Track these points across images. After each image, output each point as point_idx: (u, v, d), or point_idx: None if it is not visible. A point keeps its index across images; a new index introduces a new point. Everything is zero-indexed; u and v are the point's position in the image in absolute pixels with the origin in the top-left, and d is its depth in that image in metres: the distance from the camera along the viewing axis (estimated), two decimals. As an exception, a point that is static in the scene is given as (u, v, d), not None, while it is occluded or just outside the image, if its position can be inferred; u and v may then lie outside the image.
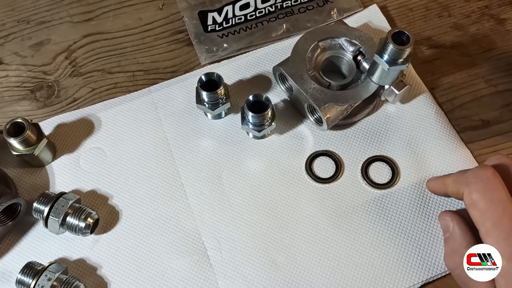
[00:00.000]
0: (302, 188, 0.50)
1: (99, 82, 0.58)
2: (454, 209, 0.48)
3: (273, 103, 0.51)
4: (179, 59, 0.59)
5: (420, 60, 0.58)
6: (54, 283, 0.43)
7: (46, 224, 0.46)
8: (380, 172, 0.51)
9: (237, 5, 0.62)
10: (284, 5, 0.62)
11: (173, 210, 0.50)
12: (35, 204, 0.47)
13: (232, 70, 0.57)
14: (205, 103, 0.52)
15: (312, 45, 0.52)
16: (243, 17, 0.61)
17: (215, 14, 0.61)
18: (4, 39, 0.62)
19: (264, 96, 0.50)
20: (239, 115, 0.53)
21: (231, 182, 0.51)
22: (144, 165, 0.52)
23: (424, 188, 0.49)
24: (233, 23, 0.61)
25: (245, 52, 0.59)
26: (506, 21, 0.60)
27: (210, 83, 0.51)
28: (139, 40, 0.61)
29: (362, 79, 0.52)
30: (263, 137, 0.53)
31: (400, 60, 0.46)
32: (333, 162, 0.51)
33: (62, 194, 0.48)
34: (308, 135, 0.53)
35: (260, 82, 0.57)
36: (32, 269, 0.44)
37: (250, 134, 0.53)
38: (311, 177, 0.50)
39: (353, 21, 0.60)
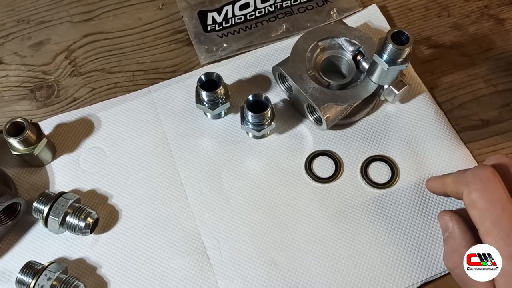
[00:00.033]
0: (302, 187, 0.50)
1: (99, 82, 0.58)
2: (454, 209, 0.48)
3: (272, 103, 0.51)
4: (178, 59, 0.60)
5: (420, 60, 0.58)
6: (54, 282, 0.43)
7: (46, 224, 0.46)
8: (379, 172, 0.51)
9: (237, 5, 0.62)
10: (284, 5, 0.62)
11: (173, 210, 0.50)
12: (35, 204, 0.47)
13: (231, 70, 0.57)
14: (204, 103, 0.52)
15: (312, 45, 0.53)
16: (242, 17, 0.61)
17: (215, 14, 0.62)
18: (4, 39, 0.62)
19: (263, 96, 0.50)
20: (238, 115, 0.53)
21: (231, 181, 0.51)
22: (144, 164, 0.52)
23: (423, 187, 0.49)
24: (233, 23, 0.61)
25: (244, 52, 0.59)
26: (506, 21, 0.60)
27: (210, 83, 0.51)
28: (139, 40, 0.61)
29: (361, 79, 0.52)
30: (262, 136, 0.53)
31: (400, 60, 0.46)
32: (332, 162, 0.51)
33: (62, 193, 0.48)
34: (308, 134, 0.53)
35: (260, 82, 0.57)
36: (32, 269, 0.44)
37: (250, 134, 0.53)
38: (310, 176, 0.51)
39: (353, 21, 0.60)
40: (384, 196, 0.49)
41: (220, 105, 0.52)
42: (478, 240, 0.39)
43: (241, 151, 0.53)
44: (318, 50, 0.53)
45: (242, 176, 0.51)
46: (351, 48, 0.53)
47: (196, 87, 0.51)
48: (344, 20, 0.58)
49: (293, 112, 0.55)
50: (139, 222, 0.49)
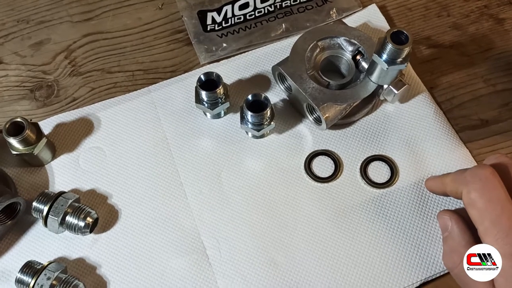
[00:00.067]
0: (301, 187, 0.50)
1: (99, 82, 0.58)
2: (453, 209, 0.48)
3: (272, 103, 0.51)
4: (178, 59, 0.60)
5: (419, 60, 0.58)
6: (54, 282, 0.43)
7: (45, 223, 0.47)
8: (379, 172, 0.51)
9: (236, 4, 0.62)
10: (283, 5, 0.62)
11: (172, 209, 0.50)
12: (34, 203, 0.47)
13: (231, 70, 0.58)
14: (204, 103, 0.52)
15: (311, 45, 0.53)
16: (242, 16, 0.61)
17: (215, 14, 0.62)
18: (4, 38, 0.62)
19: (263, 95, 0.50)
20: (238, 115, 0.53)
21: (230, 181, 0.51)
22: (144, 164, 0.52)
23: (423, 187, 0.49)
24: (232, 22, 0.61)
25: (244, 52, 0.59)
26: (505, 21, 0.60)
27: (209, 83, 0.51)
28: (139, 39, 0.61)
29: (361, 78, 0.52)
30: (262, 136, 0.53)
31: (399, 60, 0.46)
32: (332, 162, 0.51)
33: (61, 193, 0.48)
34: (307, 134, 0.53)
35: (259, 81, 0.57)
36: (31, 268, 0.44)
37: (249, 134, 0.53)
38: (310, 176, 0.51)
39: (352, 20, 0.60)
40: (384, 195, 0.49)
41: (219, 104, 0.52)
42: (477, 240, 0.39)
43: (240, 151, 0.53)
44: (318, 50, 0.53)
45: (241, 176, 0.51)
46: (350, 48, 0.53)
47: (196, 87, 0.51)
48: (344, 20, 0.58)
49: (292, 112, 0.55)
50: (138, 221, 0.49)
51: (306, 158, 0.52)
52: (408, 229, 0.47)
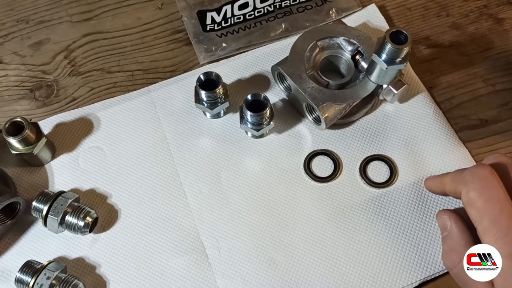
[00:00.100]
0: (301, 187, 0.50)
1: (98, 82, 0.58)
2: (452, 208, 0.48)
3: (271, 102, 0.51)
4: (178, 59, 0.60)
5: (419, 60, 0.58)
6: (53, 281, 0.43)
7: (45, 223, 0.47)
8: (378, 171, 0.51)
9: (236, 4, 0.62)
10: (283, 5, 0.62)
11: (172, 209, 0.50)
12: (34, 203, 0.47)
13: (230, 70, 0.58)
14: (203, 102, 0.52)
15: (311, 45, 0.53)
16: (242, 16, 0.61)
17: (214, 14, 0.62)
18: (4, 38, 0.62)
19: (262, 95, 0.50)
20: (237, 114, 0.53)
21: (230, 181, 0.51)
22: (143, 164, 0.52)
23: (422, 187, 0.49)
24: (232, 22, 0.61)
25: (244, 52, 0.59)
26: (504, 21, 0.60)
27: (209, 83, 0.51)
28: (138, 39, 0.61)
29: (360, 78, 0.52)
30: (261, 136, 0.53)
31: (398, 60, 0.46)
32: (331, 161, 0.51)
33: (61, 193, 0.48)
34: (307, 134, 0.53)
35: (259, 81, 0.57)
36: (31, 268, 0.44)
37: (249, 133, 0.53)
38: (309, 176, 0.51)
39: (352, 20, 0.60)
40: (383, 195, 0.49)
41: (219, 104, 0.52)
42: (476, 239, 0.39)
43: (240, 151, 0.53)
44: (317, 49, 0.53)
45: (241, 176, 0.51)
46: (350, 48, 0.53)
47: (195, 87, 0.51)
48: (343, 20, 0.58)
49: (292, 112, 0.55)
50: (138, 221, 0.49)
51: (306, 158, 0.52)
52: (407, 229, 0.48)
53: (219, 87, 0.50)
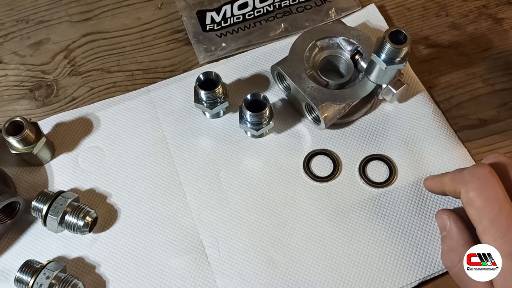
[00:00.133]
0: (300, 186, 0.50)
1: (98, 81, 0.58)
2: (451, 208, 0.48)
3: (271, 102, 0.51)
4: (177, 58, 0.60)
5: (418, 59, 0.58)
6: (53, 281, 0.43)
7: (44, 223, 0.47)
8: (377, 171, 0.51)
9: (236, 4, 0.62)
10: (282, 5, 0.62)
11: (172, 209, 0.50)
12: (33, 203, 0.47)
13: (230, 69, 0.58)
14: (203, 102, 0.52)
15: (310, 44, 0.53)
16: (241, 16, 0.61)
17: (214, 14, 0.62)
18: (3, 38, 0.62)
19: (262, 95, 0.50)
20: (237, 114, 0.53)
21: (229, 180, 0.51)
22: (143, 164, 0.52)
23: (421, 186, 0.49)
24: (232, 22, 0.61)
25: (243, 52, 0.59)
26: (504, 21, 0.60)
27: (208, 82, 0.51)
28: (138, 39, 0.61)
29: (359, 78, 0.52)
30: (261, 136, 0.53)
31: (398, 59, 0.46)
32: (330, 161, 0.51)
33: (60, 192, 0.48)
34: (306, 134, 0.53)
35: (258, 81, 0.57)
36: (30, 267, 0.44)
37: (248, 133, 0.53)
38: (309, 175, 0.51)
39: (351, 20, 0.60)
40: (382, 195, 0.49)
41: (218, 104, 0.52)
42: (475, 239, 0.39)
43: (239, 150, 0.53)
44: (317, 49, 0.53)
45: (240, 175, 0.51)
46: (349, 48, 0.53)
47: (195, 87, 0.51)
48: (343, 20, 0.58)
49: (291, 111, 0.55)
50: (137, 221, 0.49)
51: (305, 158, 0.52)
52: (406, 228, 0.48)
53: (219, 87, 0.50)
